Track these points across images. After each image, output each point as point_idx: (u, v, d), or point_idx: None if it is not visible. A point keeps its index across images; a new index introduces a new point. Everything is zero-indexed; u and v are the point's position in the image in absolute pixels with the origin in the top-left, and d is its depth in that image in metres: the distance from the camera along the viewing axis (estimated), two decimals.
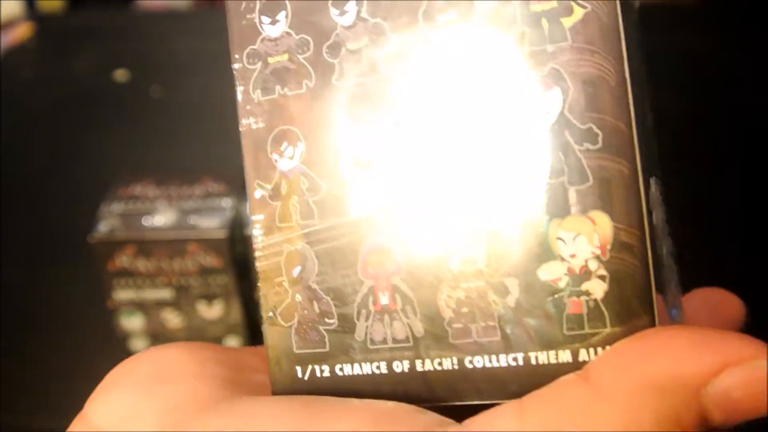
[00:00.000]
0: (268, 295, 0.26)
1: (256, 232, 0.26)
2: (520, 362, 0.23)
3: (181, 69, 1.01)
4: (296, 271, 0.25)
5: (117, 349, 0.61)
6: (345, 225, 0.25)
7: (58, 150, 0.89)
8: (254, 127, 0.26)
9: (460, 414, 0.22)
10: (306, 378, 0.25)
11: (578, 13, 0.22)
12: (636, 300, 0.22)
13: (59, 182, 0.84)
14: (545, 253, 0.23)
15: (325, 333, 0.25)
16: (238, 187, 0.59)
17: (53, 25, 1.17)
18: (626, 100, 0.22)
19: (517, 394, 0.22)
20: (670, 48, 0.95)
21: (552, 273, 0.23)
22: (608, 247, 0.22)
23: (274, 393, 0.25)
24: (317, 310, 0.25)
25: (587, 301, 0.22)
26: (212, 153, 0.78)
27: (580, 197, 0.22)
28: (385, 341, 0.24)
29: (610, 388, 0.20)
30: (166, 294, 0.60)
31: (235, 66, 0.26)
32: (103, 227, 0.58)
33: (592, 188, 0.22)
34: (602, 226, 0.22)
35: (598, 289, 0.22)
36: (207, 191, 0.61)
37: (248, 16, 0.26)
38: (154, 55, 1.04)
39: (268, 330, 0.26)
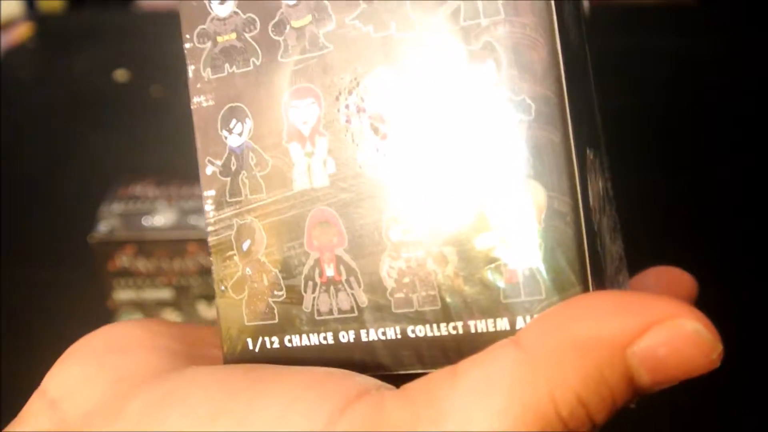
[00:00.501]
0: (219, 268, 0.26)
1: (208, 208, 0.26)
2: (460, 331, 0.23)
3: (181, 69, 1.01)
4: (246, 245, 0.26)
5: None
6: (290, 198, 0.25)
7: (58, 150, 0.90)
8: (204, 104, 0.26)
9: (402, 382, 0.23)
10: (256, 350, 0.26)
11: None
12: (569, 268, 0.22)
13: (59, 182, 0.85)
14: (481, 222, 0.23)
15: (274, 305, 0.25)
16: None
17: (53, 25, 1.18)
18: (558, 71, 0.22)
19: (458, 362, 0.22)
20: (664, 47, 0.95)
21: (488, 242, 0.23)
22: (542, 216, 0.22)
23: (226, 364, 0.26)
24: (266, 283, 0.25)
25: (523, 270, 0.23)
26: None
27: (514, 167, 0.23)
28: (331, 312, 0.25)
29: (536, 349, 0.21)
30: (166, 294, 0.61)
31: (186, 45, 0.27)
32: (103, 227, 0.59)
33: (526, 158, 0.23)
34: (537, 195, 0.22)
35: (533, 258, 0.22)
36: None
37: None
38: (154, 55, 1.04)
39: (220, 303, 0.26)
